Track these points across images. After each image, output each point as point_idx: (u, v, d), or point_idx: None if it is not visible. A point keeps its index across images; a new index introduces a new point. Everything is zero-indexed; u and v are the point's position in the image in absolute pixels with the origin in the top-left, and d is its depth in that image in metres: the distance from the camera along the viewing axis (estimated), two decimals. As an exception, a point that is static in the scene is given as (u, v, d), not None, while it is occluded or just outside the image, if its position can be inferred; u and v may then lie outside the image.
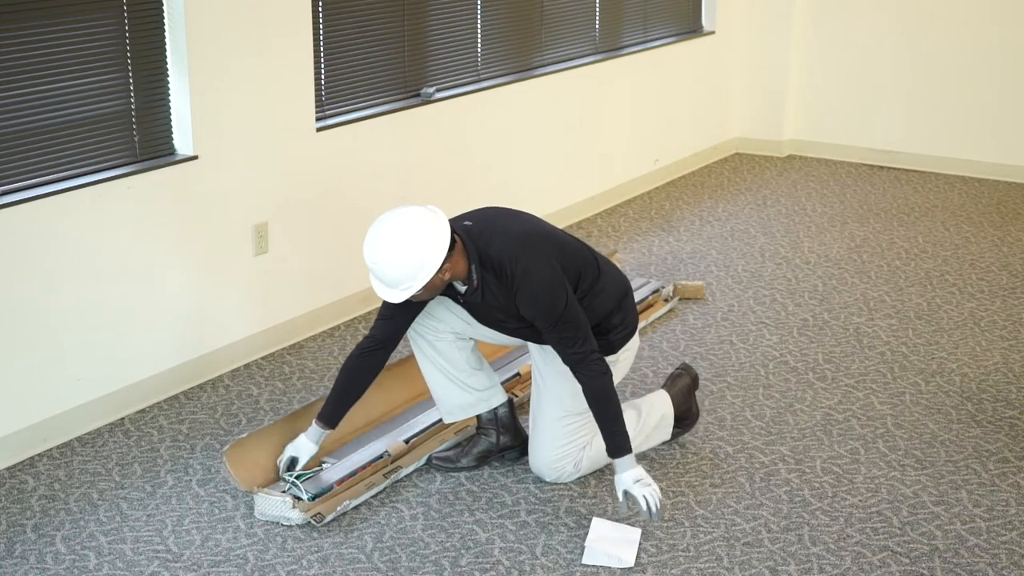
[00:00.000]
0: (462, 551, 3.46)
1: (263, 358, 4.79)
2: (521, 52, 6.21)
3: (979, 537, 3.56)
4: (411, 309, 3.66)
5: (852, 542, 3.53)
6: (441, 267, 3.39)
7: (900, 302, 5.46)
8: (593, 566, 3.39)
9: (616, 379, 3.84)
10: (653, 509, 3.47)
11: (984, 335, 5.08)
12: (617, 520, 3.58)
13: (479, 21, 5.86)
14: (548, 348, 3.74)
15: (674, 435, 4.07)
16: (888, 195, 7.23)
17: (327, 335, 5.04)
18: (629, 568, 3.38)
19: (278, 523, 3.57)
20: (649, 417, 3.95)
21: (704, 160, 7.95)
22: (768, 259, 6.05)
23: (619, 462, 3.54)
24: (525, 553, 3.46)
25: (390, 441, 3.90)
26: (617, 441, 3.55)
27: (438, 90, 5.61)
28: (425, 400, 4.14)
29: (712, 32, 7.78)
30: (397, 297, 3.43)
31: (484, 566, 3.39)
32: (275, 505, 3.56)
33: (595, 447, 3.83)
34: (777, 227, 6.58)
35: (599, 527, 3.50)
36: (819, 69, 8.02)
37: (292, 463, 3.67)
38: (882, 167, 7.86)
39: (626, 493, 3.52)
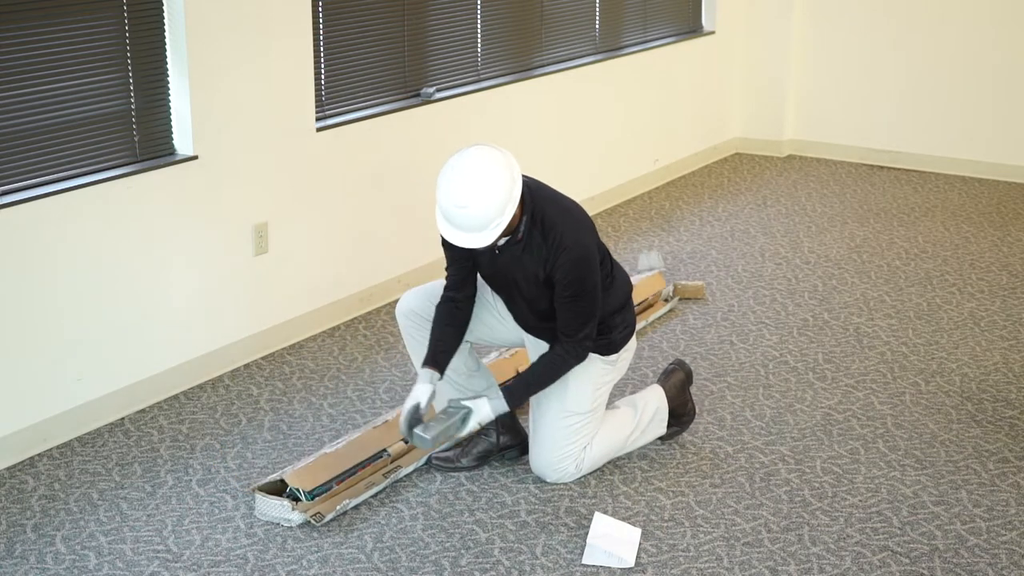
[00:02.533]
0: (462, 551, 3.46)
1: (263, 358, 4.79)
2: (521, 52, 6.21)
3: (979, 537, 3.56)
4: (471, 257, 3.66)
5: (852, 542, 3.53)
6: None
7: (900, 302, 5.46)
8: (593, 566, 3.39)
9: (614, 379, 3.85)
10: (445, 434, 3.51)
11: (984, 335, 5.08)
12: (618, 519, 3.58)
13: (479, 21, 5.86)
14: (544, 347, 3.75)
15: (671, 434, 4.07)
16: (888, 195, 7.23)
17: (327, 335, 5.04)
18: (629, 568, 3.38)
19: (278, 523, 3.57)
20: (644, 412, 3.97)
21: (704, 160, 7.95)
22: (768, 259, 6.05)
23: (495, 400, 3.61)
24: (525, 553, 3.46)
25: (390, 441, 3.90)
26: (515, 397, 3.63)
27: (438, 90, 5.61)
28: None
29: (712, 32, 7.78)
30: (484, 240, 3.40)
31: (484, 566, 3.39)
32: (274, 506, 3.56)
33: (596, 447, 3.83)
34: (777, 227, 6.58)
35: (600, 524, 3.50)
36: (819, 69, 8.02)
37: (415, 409, 3.59)
38: (882, 167, 7.87)
39: (458, 410, 3.59)
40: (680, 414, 4.08)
